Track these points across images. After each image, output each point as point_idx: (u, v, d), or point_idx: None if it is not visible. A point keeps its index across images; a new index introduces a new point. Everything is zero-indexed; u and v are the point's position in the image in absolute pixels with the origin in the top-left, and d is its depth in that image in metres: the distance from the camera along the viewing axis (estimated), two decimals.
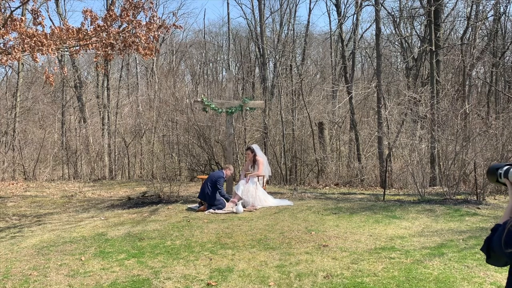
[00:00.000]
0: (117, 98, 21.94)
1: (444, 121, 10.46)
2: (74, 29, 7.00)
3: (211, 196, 8.46)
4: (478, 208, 7.85)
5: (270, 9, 26.06)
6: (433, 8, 13.43)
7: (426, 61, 17.13)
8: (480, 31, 18.01)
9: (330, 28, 23.65)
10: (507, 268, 3.18)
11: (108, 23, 7.08)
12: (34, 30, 6.82)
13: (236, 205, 8.42)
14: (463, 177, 10.07)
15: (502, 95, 17.61)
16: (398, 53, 22.94)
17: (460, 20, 19.23)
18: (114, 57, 8.18)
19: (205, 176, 9.82)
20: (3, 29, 6.55)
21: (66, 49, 7.52)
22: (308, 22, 24.91)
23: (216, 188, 8.53)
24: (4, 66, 18.78)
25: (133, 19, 7.21)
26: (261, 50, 22.04)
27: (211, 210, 8.27)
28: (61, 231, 6.99)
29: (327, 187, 12.16)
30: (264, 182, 9.58)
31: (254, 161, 9.38)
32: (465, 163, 9.86)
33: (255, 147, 9.79)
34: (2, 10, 7.07)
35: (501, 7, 17.07)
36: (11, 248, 6.02)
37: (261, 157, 9.53)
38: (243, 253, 5.45)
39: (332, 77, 22.13)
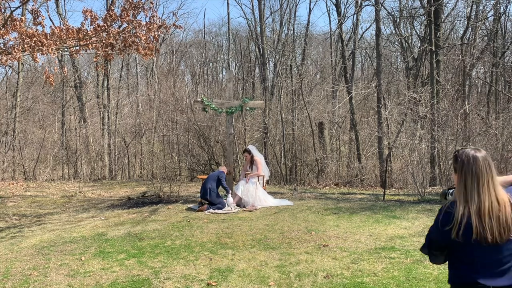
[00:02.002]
0: (117, 98, 21.94)
1: (444, 121, 10.46)
2: (74, 29, 7.00)
3: (214, 193, 8.50)
4: None
5: (270, 9, 26.05)
6: (433, 8, 13.43)
7: (426, 61, 17.14)
8: (480, 31, 18.01)
9: (330, 28, 23.67)
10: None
11: (108, 23, 7.07)
12: (34, 30, 6.82)
13: (226, 197, 8.65)
14: None
15: (502, 95, 17.61)
16: (398, 53, 22.95)
17: (460, 20, 19.26)
18: (114, 57, 8.18)
19: (205, 176, 9.83)
20: (3, 29, 6.55)
21: (66, 49, 7.52)
22: (308, 22, 24.94)
23: (219, 183, 8.65)
24: (4, 66, 18.78)
25: (133, 19, 7.20)
26: (261, 50, 22.03)
27: (211, 210, 8.27)
28: (61, 231, 6.99)
29: (327, 187, 12.16)
30: (264, 182, 9.59)
31: (252, 162, 9.40)
32: None
33: (251, 147, 9.82)
34: (2, 10, 7.06)
35: (501, 7, 17.08)
36: (11, 248, 6.02)
37: (258, 157, 9.56)
38: (243, 253, 5.45)
39: (332, 77, 22.13)
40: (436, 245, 2.14)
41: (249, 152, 9.51)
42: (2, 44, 6.80)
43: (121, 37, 7.24)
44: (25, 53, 6.90)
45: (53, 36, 6.82)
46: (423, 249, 2.25)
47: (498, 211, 2.00)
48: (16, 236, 6.82)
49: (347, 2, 32.47)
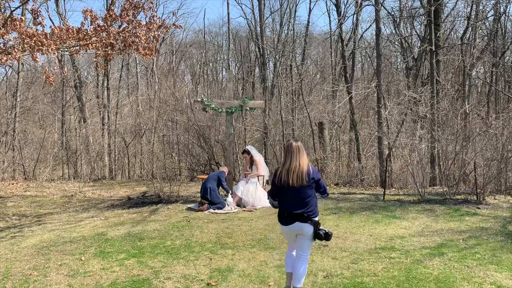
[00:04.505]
0: (117, 98, 21.95)
1: (444, 121, 10.46)
2: (74, 29, 6.99)
3: (215, 192, 8.51)
4: (478, 208, 7.85)
5: (270, 9, 26.09)
6: (433, 8, 13.42)
7: (426, 61, 17.12)
8: (480, 31, 18.00)
9: (330, 28, 23.67)
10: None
11: (108, 23, 7.07)
12: (34, 30, 6.81)
13: (226, 197, 8.65)
14: (463, 177, 10.06)
15: (502, 95, 17.60)
16: (398, 53, 22.93)
17: (460, 20, 19.22)
18: (114, 57, 8.17)
19: (205, 176, 9.83)
20: (3, 29, 6.55)
21: (66, 49, 7.52)
22: (308, 22, 24.92)
23: (219, 183, 8.66)
24: (4, 66, 18.78)
25: (133, 19, 7.20)
26: (261, 50, 22.03)
27: (211, 210, 8.27)
28: (61, 231, 6.99)
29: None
30: (264, 182, 9.58)
31: (252, 162, 9.40)
32: (465, 163, 9.86)
33: (250, 148, 9.82)
34: (2, 10, 7.06)
35: (501, 7, 17.05)
36: (11, 248, 6.02)
37: (258, 157, 9.55)
38: (243, 253, 5.45)
39: (332, 77, 22.12)
40: (273, 190, 4.00)
41: (248, 152, 9.51)
42: (2, 44, 6.80)
43: (121, 37, 7.23)
44: (25, 53, 6.90)
45: (53, 36, 6.81)
46: (269, 197, 4.11)
47: (298, 170, 3.79)
48: (16, 236, 6.82)
49: (347, 2, 32.45)
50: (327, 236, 3.87)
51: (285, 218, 3.88)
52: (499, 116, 11.89)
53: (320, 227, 3.90)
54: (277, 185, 3.88)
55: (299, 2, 64.73)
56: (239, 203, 8.80)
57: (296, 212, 3.81)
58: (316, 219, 3.91)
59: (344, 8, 21.54)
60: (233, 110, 9.66)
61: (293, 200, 3.83)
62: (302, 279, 3.92)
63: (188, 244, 5.90)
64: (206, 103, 9.51)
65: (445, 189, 9.57)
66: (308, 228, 3.84)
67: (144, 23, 7.31)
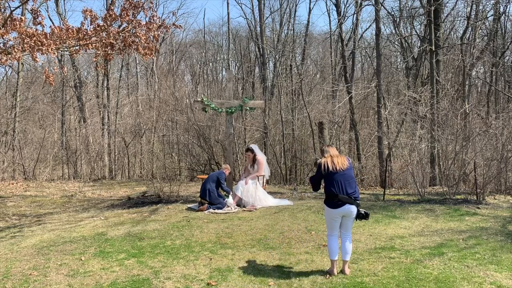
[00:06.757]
0: (117, 98, 21.94)
1: (444, 121, 10.46)
2: (74, 29, 6.98)
3: (214, 193, 8.49)
4: (478, 208, 7.85)
5: (270, 9, 26.09)
6: (433, 8, 13.42)
7: (426, 61, 17.11)
8: (480, 31, 17.99)
9: (330, 28, 23.65)
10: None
11: (108, 23, 7.06)
12: (34, 30, 6.80)
13: (227, 198, 8.63)
14: (463, 177, 10.06)
15: (502, 95, 17.59)
16: (398, 53, 22.92)
17: (460, 20, 19.22)
18: (114, 57, 8.16)
19: (205, 176, 9.82)
20: (3, 29, 6.54)
21: (66, 49, 7.51)
22: (308, 22, 24.91)
23: (219, 185, 8.62)
24: (4, 66, 18.78)
25: (133, 19, 7.19)
26: (261, 50, 22.04)
27: (211, 210, 8.27)
28: (61, 231, 6.99)
29: None
30: (264, 182, 9.58)
31: (254, 161, 9.39)
32: (465, 163, 9.86)
33: (254, 147, 9.79)
34: (2, 10, 7.05)
35: (501, 7, 17.04)
36: (11, 248, 6.02)
37: (260, 156, 9.54)
38: (243, 253, 5.45)
39: (332, 77, 22.11)
40: (319, 178, 4.62)
41: (252, 151, 9.49)
42: (2, 44, 6.79)
43: (121, 37, 7.23)
44: (25, 53, 6.89)
45: (53, 36, 6.80)
46: (313, 184, 4.74)
47: (339, 156, 4.61)
48: (16, 236, 6.82)
49: (347, 2, 32.41)
50: (367, 215, 4.54)
51: (337, 201, 4.42)
52: (499, 116, 11.89)
53: (360, 208, 4.52)
54: (325, 172, 4.52)
55: (299, 2, 64.78)
56: (239, 203, 8.80)
57: (348, 192, 4.43)
58: (359, 201, 4.53)
59: (344, 8, 21.54)
60: (233, 110, 9.66)
61: (343, 182, 4.46)
62: (350, 253, 4.60)
63: (188, 244, 5.90)
64: (206, 103, 9.51)
65: (445, 189, 9.57)
66: (354, 210, 4.45)
67: (144, 23, 7.30)
